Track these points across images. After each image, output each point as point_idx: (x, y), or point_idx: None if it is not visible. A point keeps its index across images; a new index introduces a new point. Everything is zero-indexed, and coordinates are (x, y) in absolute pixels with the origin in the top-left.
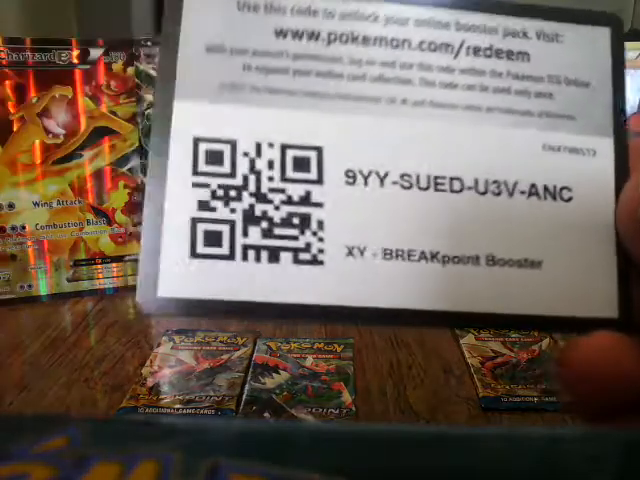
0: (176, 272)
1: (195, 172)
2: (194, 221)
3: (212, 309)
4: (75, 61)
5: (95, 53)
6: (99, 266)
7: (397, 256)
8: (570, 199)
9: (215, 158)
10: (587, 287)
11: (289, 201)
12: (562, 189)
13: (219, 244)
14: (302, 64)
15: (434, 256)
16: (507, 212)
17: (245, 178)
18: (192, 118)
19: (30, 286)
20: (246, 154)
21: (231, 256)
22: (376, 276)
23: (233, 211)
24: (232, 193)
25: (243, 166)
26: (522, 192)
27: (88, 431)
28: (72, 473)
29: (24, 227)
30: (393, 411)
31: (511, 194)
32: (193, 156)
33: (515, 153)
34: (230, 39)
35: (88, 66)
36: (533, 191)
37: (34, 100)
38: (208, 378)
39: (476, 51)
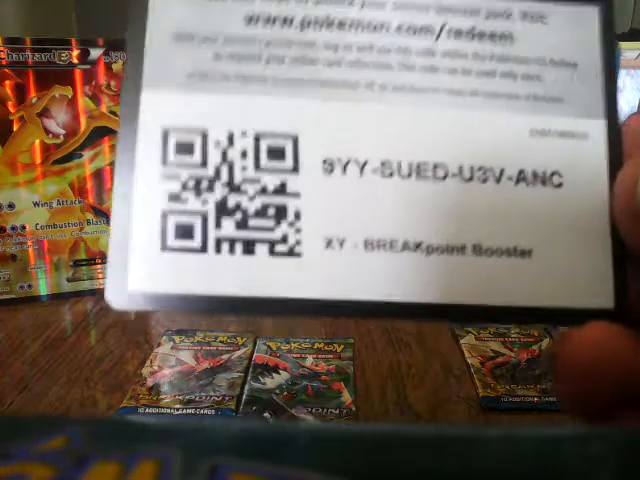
0: (146, 266)
1: (164, 163)
2: (164, 213)
3: (184, 304)
4: (75, 61)
5: (95, 53)
6: (99, 266)
7: (379, 247)
8: (561, 185)
9: (185, 148)
10: (581, 277)
11: (264, 191)
12: (552, 174)
13: (191, 237)
14: (275, 50)
15: (418, 246)
16: (494, 199)
17: (217, 168)
18: (160, 108)
19: (30, 286)
20: (218, 143)
21: (203, 249)
22: (357, 268)
23: (205, 203)
24: (204, 184)
25: (215, 156)
26: (510, 178)
27: (88, 431)
28: (72, 473)
29: (24, 227)
30: (393, 411)
31: (498, 180)
32: (162, 146)
33: (502, 138)
34: (199, 26)
35: (88, 66)
36: (521, 177)
37: (34, 100)
38: (208, 378)
39: (458, 34)
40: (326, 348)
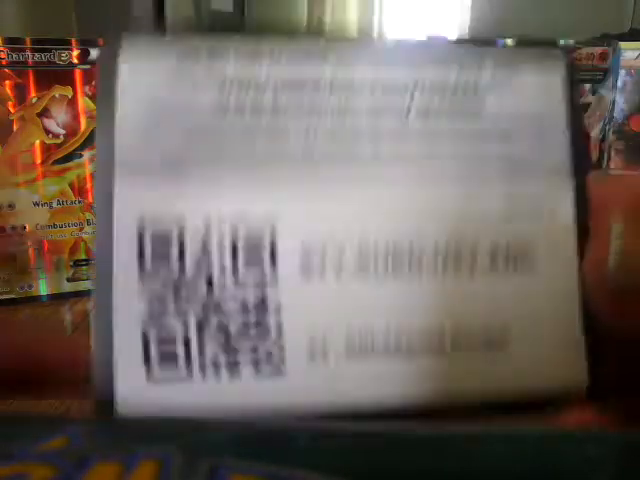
0: (132, 398)
1: (142, 270)
2: (146, 338)
3: None
4: (75, 61)
5: (95, 53)
6: None
7: (360, 352)
8: (532, 265)
9: (162, 255)
10: (556, 359)
11: (244, 309)
12: (523, 251)
13: (175, 365)
14: (248, 132)
15: (398, 349)
16: (469, 290)
17: (195, 281)
18: (135, 200)
19: (30, 286)
20: (193, 253)
21: (189, 376)
22: (341, 379)
23: (186, 324)
24: (183, 300)
25: (192, 268)
26: (483, 265)
27: (88, 431)
28: (72, 473)
29: (24, 227)
30: None
31: (472, 267)
32: (139, 252)
33: (474, 214)
34: (171, 101)
35: (88, 66)
36: (494, 261)
37: (34, 100)
38: None
39: (431, 91)
40: None
